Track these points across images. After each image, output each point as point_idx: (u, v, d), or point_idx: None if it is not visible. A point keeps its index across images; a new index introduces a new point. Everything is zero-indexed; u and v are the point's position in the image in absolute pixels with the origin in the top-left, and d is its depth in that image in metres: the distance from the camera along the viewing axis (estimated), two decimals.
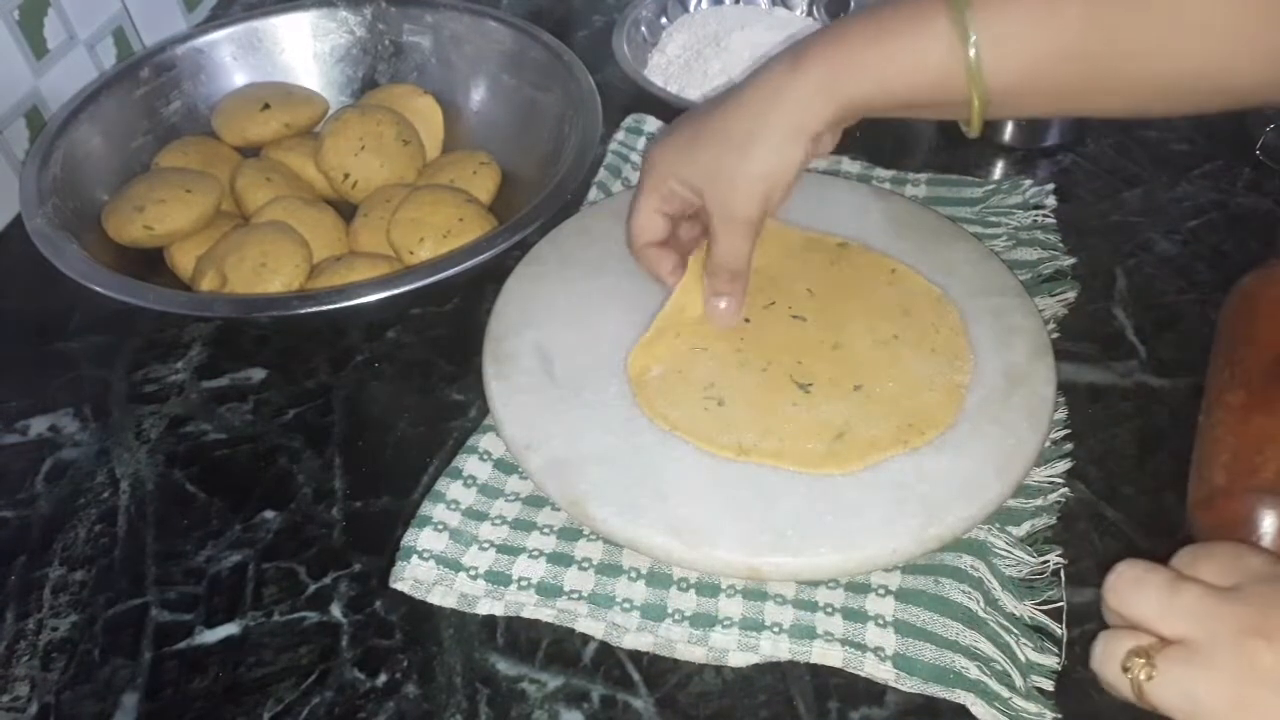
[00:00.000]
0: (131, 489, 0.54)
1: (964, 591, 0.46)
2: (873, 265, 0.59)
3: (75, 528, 0.52)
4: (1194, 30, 0.40)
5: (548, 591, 0.47)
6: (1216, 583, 0.33)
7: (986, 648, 0.45)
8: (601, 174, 0.69)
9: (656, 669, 0.46)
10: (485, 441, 0.53)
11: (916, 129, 0.76)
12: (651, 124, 0.74)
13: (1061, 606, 0.46)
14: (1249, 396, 0.47)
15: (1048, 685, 0.44)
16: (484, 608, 0.47)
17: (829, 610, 0.46)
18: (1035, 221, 0.66)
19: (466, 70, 0.75)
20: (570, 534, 0.49)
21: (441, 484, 0.51)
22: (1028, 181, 0.68)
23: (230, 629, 0.48)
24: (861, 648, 0.45)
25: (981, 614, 0.46)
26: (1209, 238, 0.66)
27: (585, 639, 0.47)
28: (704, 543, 0.46)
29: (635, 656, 0.46)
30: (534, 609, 0.47)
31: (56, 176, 0.62)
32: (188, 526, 0.52)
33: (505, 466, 0.53)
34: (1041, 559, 0.48)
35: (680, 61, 0.79)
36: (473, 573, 0.48)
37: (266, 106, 0.70)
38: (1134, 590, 0.33)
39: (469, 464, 0.52)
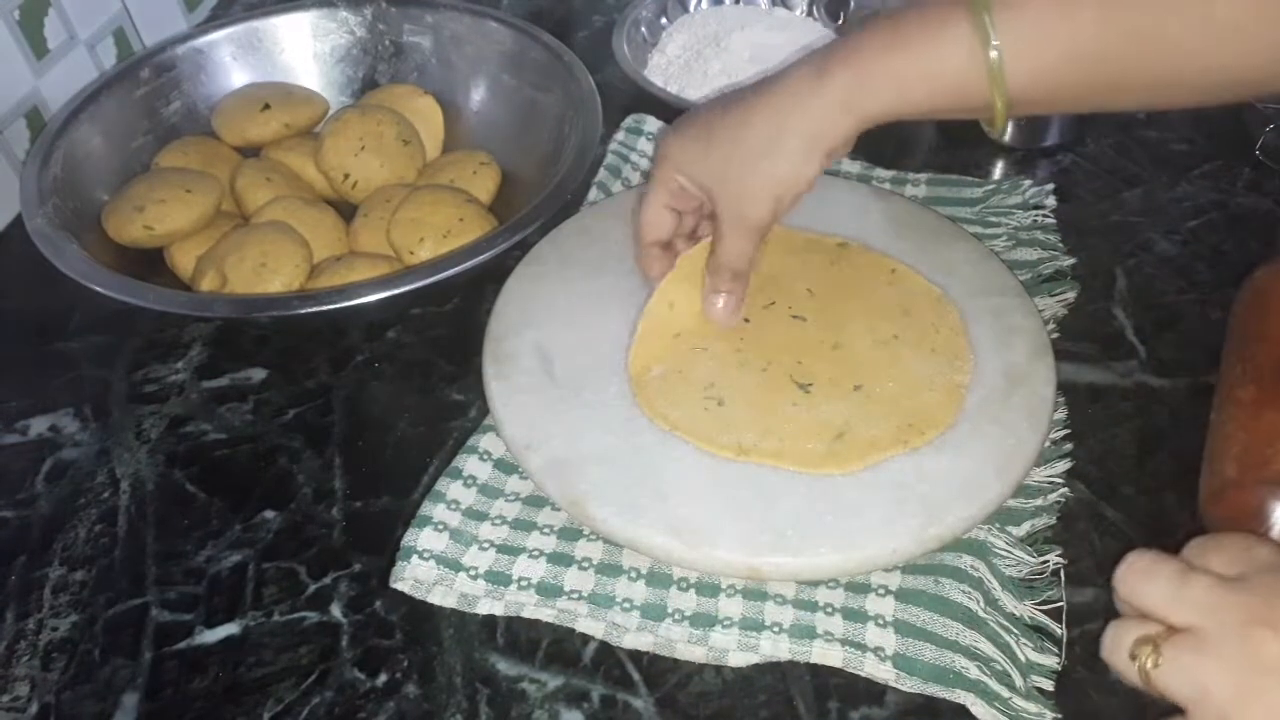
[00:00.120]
0: (132, 489, 0.54)
1: (964, 591, 0.46)
2: (873, 265, 0.59)
3: (75, 528, 0.52)
4: (1224, 29, 0.39)
5: (548, 591, 0.47)
6: (1225, 573, 0.33)
7: (986, 648, 0.45)
8: (601, 174, 0.69)
9: (656, 669, 0.46)
10: (485, 441, 0.53)
11: (916, 129, 0.76)
12: (651, 124, 0.74)
13: (1061, 606, 0.46)
14: (1260, 391, 0.47)
15: (1048, 685, 0.44)
16: (484, 608, 0.47)
17: (829, 610, 0.46)
18: (1035, 221, 0.66)
19: (466, 70, 0.75)
20: (570, 534, 0.49)
21: (441, 484, 0.51)
22: (1027, 181, 0.68)
23: (230, 629, 0.48)
24: (861, 648, 0.45)
25: (981, 614, 0.46)
26: (1209, 238, 0.66)
27: (585, 639, 0.47)
28: (704, 543, 0.46)
29: (635, 656, 0.46)
30: (534, 609, 0.47)
31: (57, 176, 0.62)
32: (188, 526, 0.52)
33: (505, 466, 0.53)
34: (1041, 559, 0.48)
35: (680, 61, 0.79)
36: (473, 573, 0.48)
37: (266, 106, 0.70)
38: (1143, 580, 0.34)
39: (469, 464, 0.52)
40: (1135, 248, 0.66)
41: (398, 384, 0.59)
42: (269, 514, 0.52)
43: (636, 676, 0.45)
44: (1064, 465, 0.52)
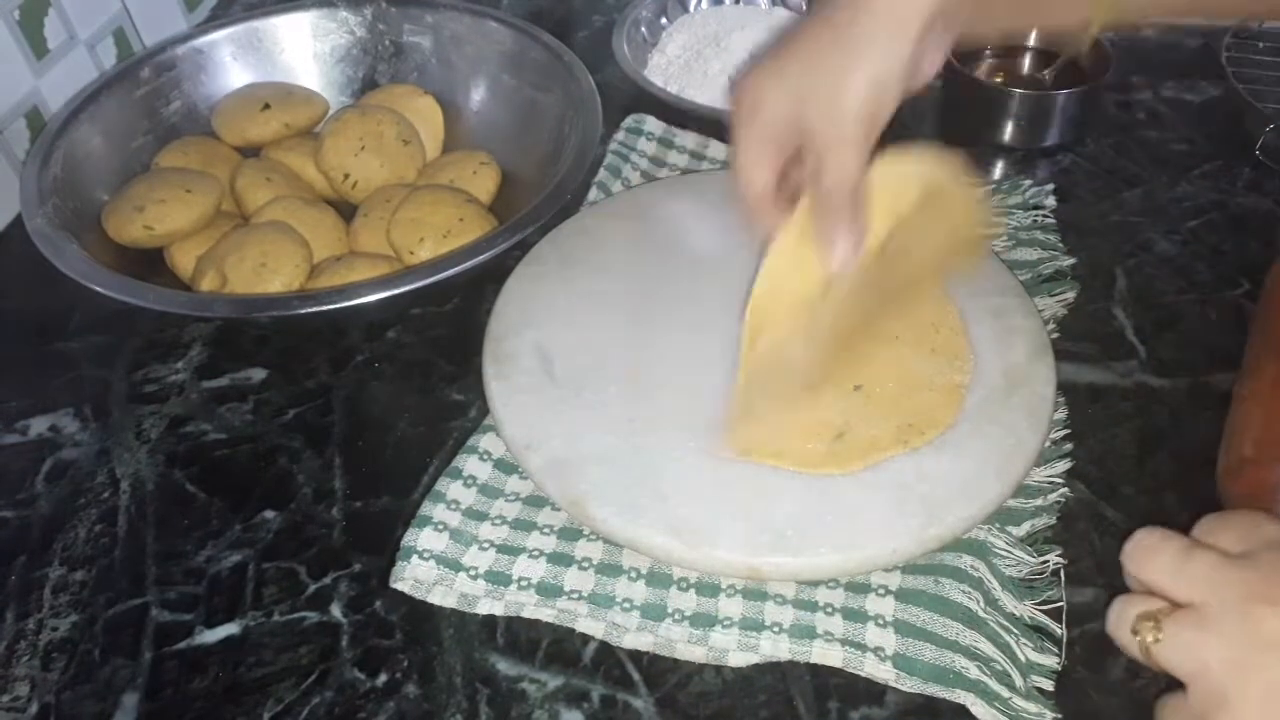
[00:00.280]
0: (132, 489, 0.54)
1: (964, 591, 0.46)
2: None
3: (75, 528, 0.52)
4: None
5: (548, 591, 0.47)
6: (1231, 550, 0.33)
7: (986, 648, 0.45)
8: (601, 174, 0.69)
9: (656, 669, 0.46)
10: (485, 441, 0.53)
11: (916, 130, 0.76)
12: (652, 124, 0.74)
13: (1061, 606, 0.46)
14: (1272, 378, 0.48)
15: (1048, 685, 0.44)
16: (484, 608, 0.47)
17: (829, 610, 0.46)
18: (1035, 221, 0.66)
19: (466, 70, 0.75)
20: (570, 534, 0.50)
21: (441, 484, 0.51)
22: (1028, 181, 0.68)
23: (230, 629, 0.48)
24: (861, 647, 0.45)
25: (981, 614, 0.46)
26: (1209, 238, 0.66)
27: (585, 639, 0.47)
28: (704, 543, 0.46)
29: (635, 656, 0.46)
30: (534, 609, 0.47)
31: (57, 176, 0.62)
32: (188, 526, 0.52)
33: (505, 466, 0.53)
34: (1041, 559, 0.48)
35: (680, 62, 0.79)
36: (473, 573, 0.48)
37: (266, 106, 0.70)
38: (1149, 556, 0.34)
39: (469, 464, 0.52)
40: (1135, 248, 0.66)
41: (398, 384, 0.59)
42: (269, 514, 0.52)
43: (636, 676, 0.45)
44: (1064, 465, 0.52)
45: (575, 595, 0.47)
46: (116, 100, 0.68)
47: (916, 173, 0.48)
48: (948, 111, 0.77)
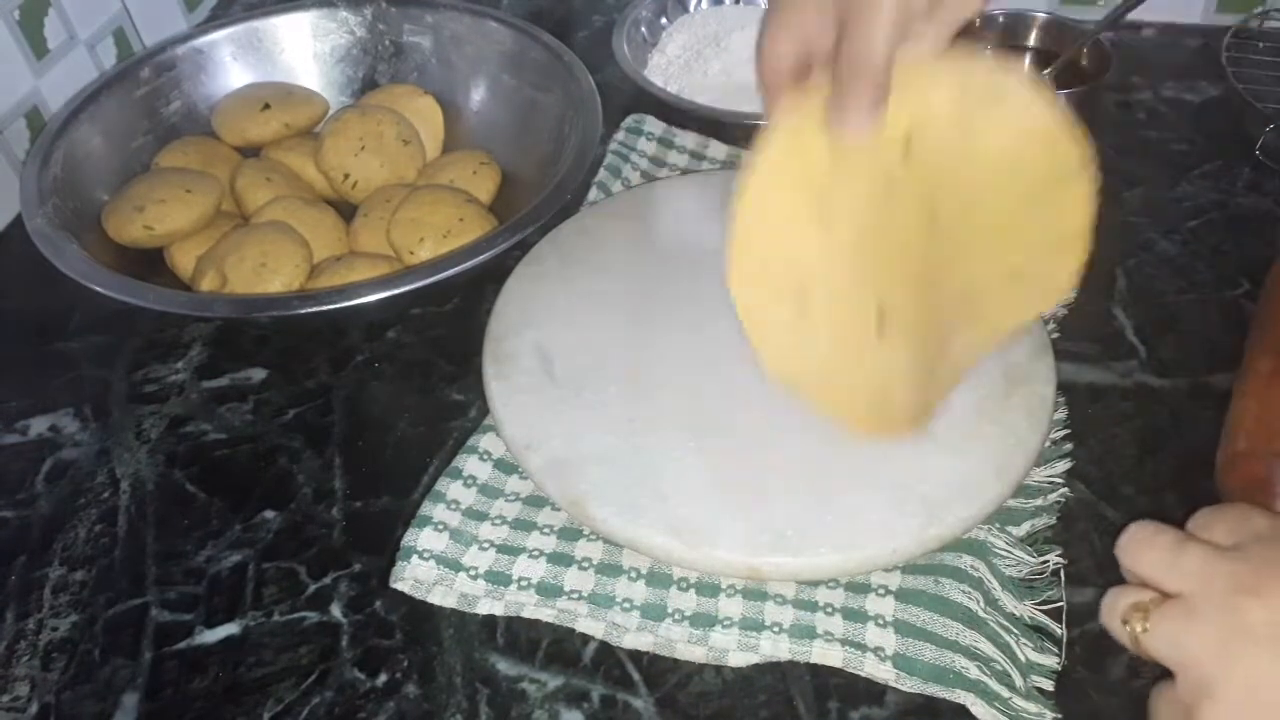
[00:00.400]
0: (131, 489, 0.54)
1: (964, 591, 0.46)
2: None
3: (75, 528, 0.52)
4: None
5: (548, 591, 0.47)
6: (1222, 543, 0.34)
7: (986, 648, 0.45)
8: (601, 174, 0.69)
9: (656, 669, 0.46)
10: (485, 441, 0.53)
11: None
12: (652, 124, 0.74)
13: (1061, 606, 0.46)
14: (1274, 367, 0.48)
15: (1048, 685, 0.44)
16: (484, 608, 0.47)
17: (829, 610, 0.46)
18: None
19: (466, 70, 0.75)
20: (570, 534, 0.50)
21: (441, 484, 0.51)
22: None
23: (230, 629, 0.48)
24: (861, 648, 0.45)
25: (981, 614, 0.46)
26: (1209, 238, 0.66)
27: (585, 639, 0.47)
28: (704, 543, 0.46)
29: (635, 656, 0.46)
30: (534, 609, 0.47)
31: (57, 176, 0.62)
32: (188, 526, 0.52)
33: (505, 466, 0.53)
34: (1041, 559, 0.48)
35: (680, 62, 0.79)
36: (473, 573, 0.48)
37: (266, 106, 0.70)
38: (1142, 549, 0.34)
39: (469, 464, 0.52)
40: (1135, 248, 0.66)
41: (398, 384, 0.59)
42: (269, 514, 0.52)
43: (636, 676, 0.45)
44: (1064, 465, 0.52)
45: (575, 595, 0.47)
46: (116, 100, 0.68)
47: (949, 67, 0.41)
48: None
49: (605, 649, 0.46)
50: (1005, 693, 0.43)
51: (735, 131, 0.74)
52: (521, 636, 0.47)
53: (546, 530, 0.50)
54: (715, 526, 0.47)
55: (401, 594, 0.48)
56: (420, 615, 0.48)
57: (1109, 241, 0.65)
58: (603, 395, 0.53)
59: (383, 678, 0.46)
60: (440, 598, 0.48)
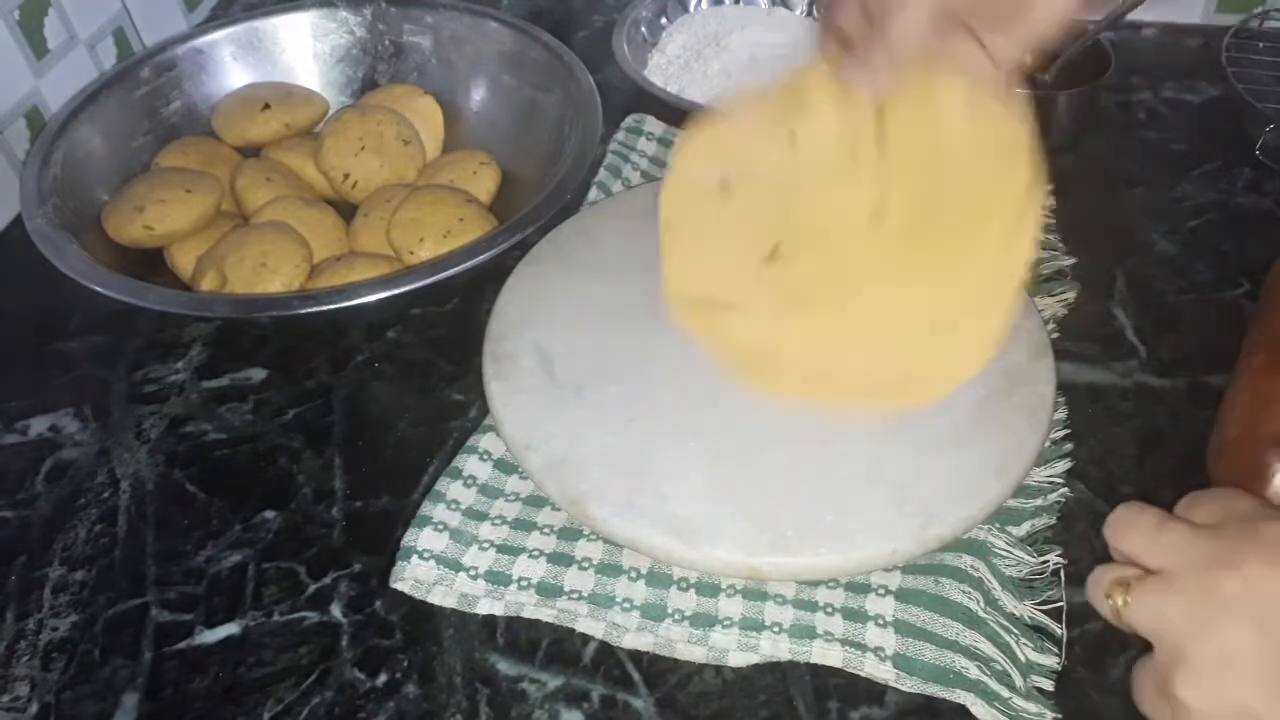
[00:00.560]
0: (131, 489, 0.54)
1: (964, 591, 0.46)
2: None
3: (75, 528, 0.52)
4: None
5: (548, 591, 0.47)
6: (1205, 523, 0.35)
7: (986, 648, 0.45)
8: (601, 174, 0.69)
9: (656, 669, 0.46)
10: (485, 441, 0.53)
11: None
12: (652, 124, 0.74)
13: (1061, 606, 0.46)
14: (1268, 359, 0.49)
15: (1048, 685, 0.44)
16: (484, 608, 0.47)
17: (829, 610, 0.46)
18: None
19: (466, 70, 0.75)
20: (570, 534, 0.50)
21: (441, 484, 0.51)
22: None
23: (230, 629, 0.48)
24: (861, 648, 0.45)
25: (981, 614, 0.46)
26: (1209, 238, 0.66)
27: (585, 639, 0.47)
28: (704, 543, 0.46)
29: (635, 656, 0.46)
30: (534, 609, 0.47)
31: (57, 176, 0.62)
32: (188, 526, 0.52)
33: (505, 466, 0.53)
34: (1041, 559, 0.48)
35: (680, 61, 0.79)
36: (473, 573, 0.48)
37: (266, 106, 0.70)
38: (1126, 528, 0.36)
39: (469, 464, 0.52)
40: (1135, 248, 0.66)
41: (398, 384, 0.59)
42: (269, 514, 0.52)
43: (636, 676, 0.45)
44: (1064, 465, 0.52)
45: (575, 595, 0.47)
46: (116, 100, 0.68)
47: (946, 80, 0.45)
48: None
49: (605, 649, 0.46)
50: (1005, 693, 0.43)
51: None
52: (521, 636, 0.47)
53: (546, 530, 0.50)
54: (715, 526, 0.47)
55: (401, 594, 0.48)
56: (420, 615, 0.48)
57: (1109, 241, 0.66)
58: (603, 395, 0.53)
59: (383, 678, 0.46)
60: (440, 598, 0.48)
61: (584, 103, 0.66)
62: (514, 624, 0.47)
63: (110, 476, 0.54)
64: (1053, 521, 0.50)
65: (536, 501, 0.51)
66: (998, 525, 0.49)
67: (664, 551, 0.47)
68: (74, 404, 0.58)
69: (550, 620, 0.47)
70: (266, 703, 0.45)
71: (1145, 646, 0.36)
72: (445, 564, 0.48)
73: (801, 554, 0.46)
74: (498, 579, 0.48)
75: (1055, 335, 0.58)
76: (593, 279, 0.59)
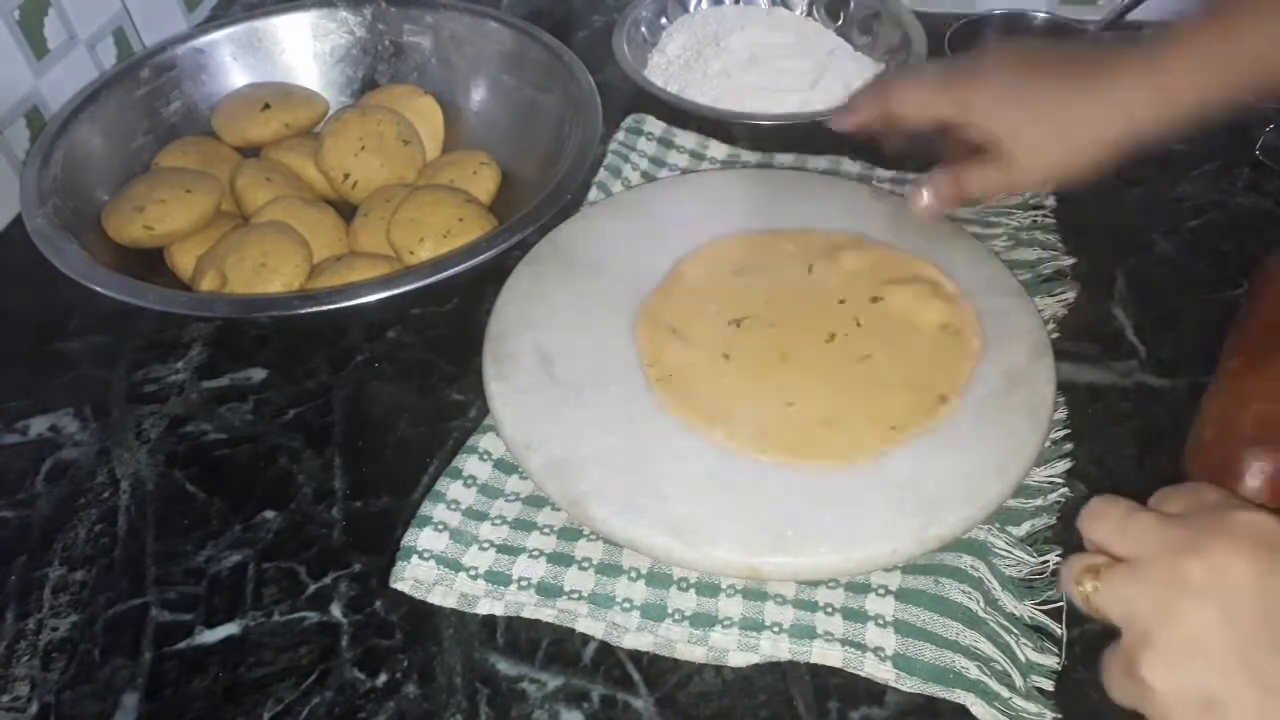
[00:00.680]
0: (131, 489, 0.54)
1: (964, 591, 0.46)
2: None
3: (75, 528, 0.52)
4: None
5: (548, 591, 0.47)
6: (1175, 514, 0.36)
7: (986, 648, 0.45)
8: (601, 174, 0.69)
9: (656, 669, 0.46)
10: (485, 441, 0.53)
11: (916, 130, 0.76)
12: (652, 124, 0.74)
13: (1061, 606, 0.46)
14: (1245, 363, 0.50)
15: (1048, 685, 0.44)
16: (484, 608, 0.47)
17: (829, 610, 0.46)
18: (1035, 221, 0.66)
19: (466, 70, 0.75)
20: (570, 534, 0.50)
21: (441, 484, 0.51)
22: None
23: (230, 629, 0.48)
24: (861, 648, 0.45)
25: (981, 614, 0.46)
26: (1209, 238, 0.66)
27: (585, 639, 0.47)
28: (704, 543, 0.46)
29: (635, 656, 0.46)
30: (534, 609, 0.47)
31: (56, 176, 0.62)
32: (188, 526, 0.52)
33: (505, 466, 0.53)
34: (1041, 559, 0.48)
35: (680, 61, 0.79)
36: (473, 573, 0.48)
37: (266, 106, 0.70)
38: (1097, 519, 0.37)
39: (469, 464, 0.52)
40: (1135, 248, 0.66)
41: (398, 384, 0.59)
42: (269, 514, 0.52)
43: (636, 676, 0.45)
44: (1064, 465, 0.52)
45: (575, 595, 0.47)
46: (116, 100, 0.68)
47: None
48: None
49: (605, 649, 0.46)
50: (1005, 693, 0.43)
51: (735, 131, 0.74)
52: (521, 636, 0.47)
53: (546, 530, 0.50)
54: (715, 526, 0.47)
55: (401, 594, 0.48)
56: (420, 615, 0.48)
57: (1109, 241, 0.65)
58: (603, 395, 0.53)
59: (383, 678, 0.46)
60: (440, 598, 0.48)
61: (584, 103, 0.66)
62: (514, 624, 0.47)
63: (110, 476, 0.54)
64: (1053, 521, 0.50)
65: (536, 501, 0.51)
66: (998, 525, 0.49)
67: (664, 551, 0.47)
68: (74, 404, 0.58)
69: (550, 620, 0.47)
70: (266, 703, 0.45)
71: (1117, 635, 0.36)
72: (445, 564, 0.48)
73: (801, 554, 0.46)
74: (498, 579, 0.48)
75: (1055, 335, 0.58)
76: (593, 279, 0.59)
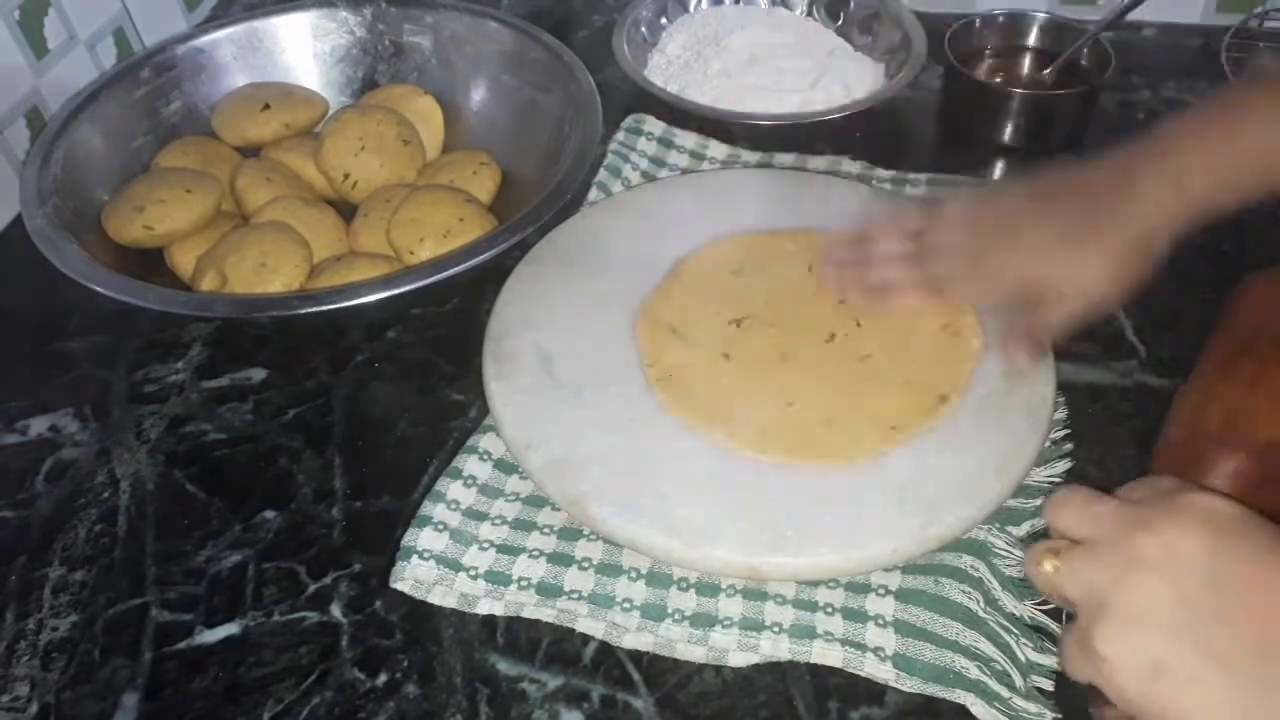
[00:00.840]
0: (131, 489, 0.54)
1: (964, 591, 0.46)
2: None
3: (75, 528, 0.52)
4: None
5: (548, 591, 0.47)
6: (1134, 499, 0.37)
7: (986, 648, 0.45)
8: (601, 174, 0.69)
9: (656, 669, 0.46)
10: (485, 441, 0.53)
11: (917, 130, 0.76)
12: (652, 124, 0.74)
13: (1061, 606, 0.46)
14: (1213, 368, 0.51)
15: (1048, 685, 0.44)
16: (484, 608, 0.47)
17: (829, 610, 0.46)
18: None
19: (466, 70, 0.75)
20: (570, 534, 0.49)
21: (441, 484, 0.51)
22: None
23: (230, 629, 0.48)
24: (861, 647, 0.45)
25: (981, 614, 0.46)
26: (1209, 238, 0.66)
27: (585, 639, 0.47)
28: (704, 543, 0.46)
29: (635, 656, 0.46)
30: (534, 609, 0.47)
31: (57, 176, 0.62)
32: (188, 526, 0.52)
33: (505, 466, 0.53)
34: None
35: (680, 61, 0.79)
36: (473, 573, 0.48)
37: (266, 106, 0.70)
38: (1060, 506, 0.38)
39: (469, 464, 0.52)
40: None
41: (398, 384, 0.59)
42: (269, 514, 0.52)
43: (636, 676, 0.45)
44: (1064, 465, 0.52)
45: (575, 595, 0.47)
46: (116, 100, 0.68)
47: None
48: (948, 111, 0.77)
49: (605, 649, 0.46)
50: (1005, 693, 0.43)
51: (735, 131, 0.74)
52: (521, 636, 0.47)
53: (546, 530, 0.50)
54: (715, 526, 0.47)
55: (401, 594, 0.48)
56: (420, 615, 0.48)
57: None
58: (603, 395, 0.53)
59: (383, 678, 0.46)
60: (440, 598, 0.48)
61: (584, 103, 0.66)
62: (514, 624, 0.47)
63: (110, 476, 0.54)
64: None
65: (536, 501, 0.51)
66: (998, 525, 0.49)
67: (664, 551, 0.47)
68: (74, 404, 0.58)
69: (550, 620, 0.47)
70: (266, 703, 0.45)
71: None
72: (445, 564, 0.48)
73: (801, 554, 0.46)
74: (498, 579, 0.48)
75: None
76: (593, 278, 0.59)
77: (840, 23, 0.83)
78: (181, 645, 0.47)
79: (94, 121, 0.67)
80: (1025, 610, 0.47)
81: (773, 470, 0.49)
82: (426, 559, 0.48)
